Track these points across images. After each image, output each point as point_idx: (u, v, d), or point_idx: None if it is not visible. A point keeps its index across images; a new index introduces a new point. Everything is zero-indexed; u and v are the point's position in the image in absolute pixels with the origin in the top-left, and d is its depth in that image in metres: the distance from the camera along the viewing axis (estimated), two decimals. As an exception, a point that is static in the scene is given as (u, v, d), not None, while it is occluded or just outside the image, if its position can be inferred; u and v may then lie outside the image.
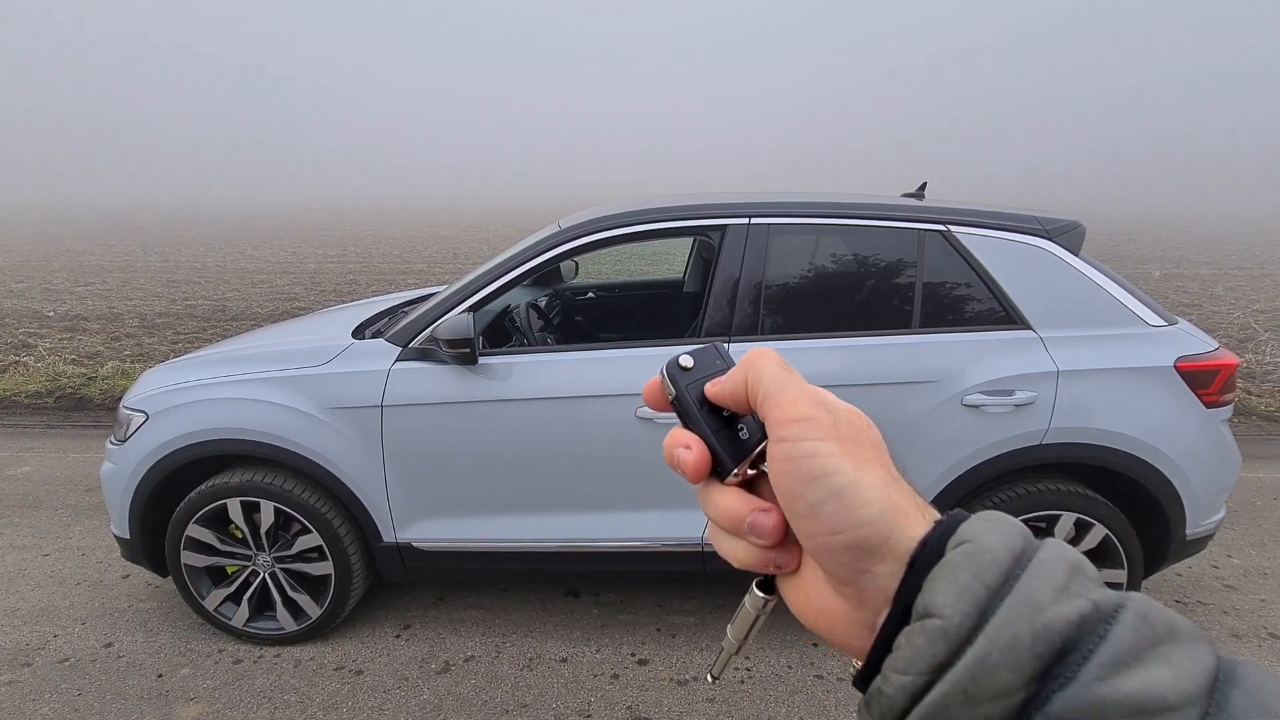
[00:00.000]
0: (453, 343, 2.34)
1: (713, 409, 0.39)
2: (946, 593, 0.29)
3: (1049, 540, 0.32)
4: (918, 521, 0.33)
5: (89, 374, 6.09)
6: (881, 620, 0.33)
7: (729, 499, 0.37)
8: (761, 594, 0.39)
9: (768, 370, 0.36)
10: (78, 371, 6.17)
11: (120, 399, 2.82)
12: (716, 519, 0.38)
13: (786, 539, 0.37)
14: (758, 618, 0.39)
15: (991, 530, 0.31)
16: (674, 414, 0.40)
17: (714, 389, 0.38)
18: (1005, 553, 0.30)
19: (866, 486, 0.33)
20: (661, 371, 0.40)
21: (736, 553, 0.38)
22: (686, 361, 0.40)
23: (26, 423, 5.24)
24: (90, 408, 5.56)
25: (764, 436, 0.37)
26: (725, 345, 0.40)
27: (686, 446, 0.38)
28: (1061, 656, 0.27)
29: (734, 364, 0.39)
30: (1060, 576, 0.29)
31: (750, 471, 0.38)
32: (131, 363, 6.56)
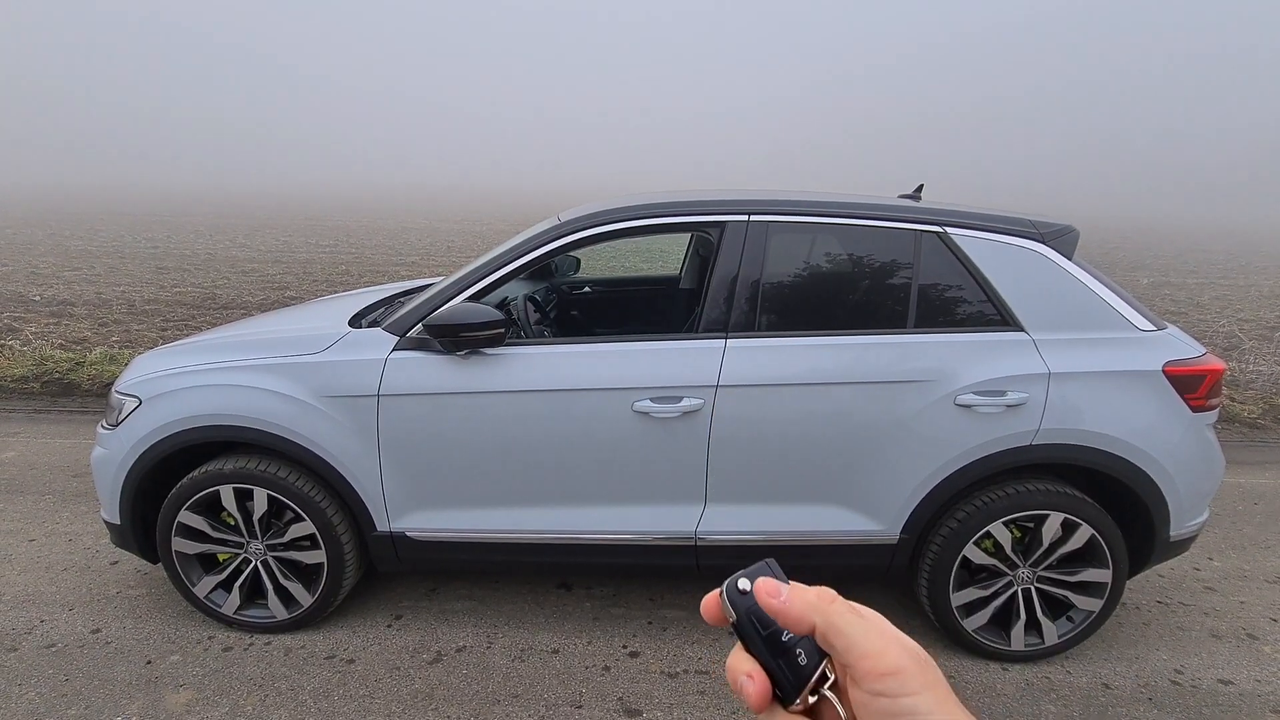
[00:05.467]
0: (475, 326, 2.35)
1: (773, 632, 0.39)
2: None
3: None
4: None
5: (76, 359, 6.01)
6: None
7: None
8: None
9: (843, 616, 0.38)
10: (65, 356, 6.09)
11: (110, 384, 2.79)
12: None
13: None
14: None
15: None
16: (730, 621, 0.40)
17: (773, 603, 0.39)
18: None
19: None
20: (721, 592, 0.40)
21: None
22: (744, 585, 0.40)
23: (11, 407, 5.18)
24: (77, 393, 5.50)
25: (821, 659, 0.38)
26: (779, 566, 0.43)
27: (749, 676, 0.39)
28: None
29: (785, 578, 0.40)
30: None
31: (811, 699, 0.38)
32: (120, 349, 6.49)
